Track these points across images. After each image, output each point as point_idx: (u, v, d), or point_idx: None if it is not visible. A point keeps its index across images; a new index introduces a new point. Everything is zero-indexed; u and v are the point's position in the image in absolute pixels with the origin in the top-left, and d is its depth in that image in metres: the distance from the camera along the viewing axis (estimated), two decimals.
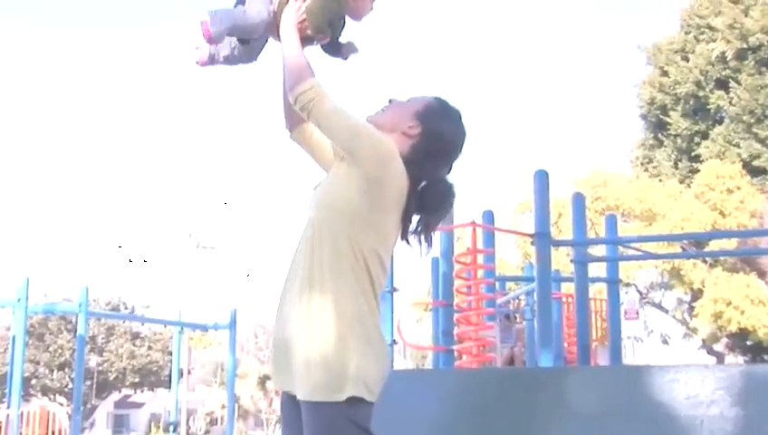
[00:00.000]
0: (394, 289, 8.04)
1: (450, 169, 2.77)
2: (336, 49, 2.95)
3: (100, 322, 45.32)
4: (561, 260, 19.26)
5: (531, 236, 7.46)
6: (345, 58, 2.98)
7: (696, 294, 25.25)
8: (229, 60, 2.97)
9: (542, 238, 7.19)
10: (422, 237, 2.72)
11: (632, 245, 10.74)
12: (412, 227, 2.71)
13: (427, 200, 2.68)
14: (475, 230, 8.36)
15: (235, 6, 2.89)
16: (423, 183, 2.68)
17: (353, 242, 2.54)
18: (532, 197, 7.53)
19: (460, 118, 2.79)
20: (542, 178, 7.33)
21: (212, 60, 2.96)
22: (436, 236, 7.92)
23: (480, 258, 8.59)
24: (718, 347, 27.50)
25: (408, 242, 2.72)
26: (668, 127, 29.54)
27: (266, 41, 2.95)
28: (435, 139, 2.68)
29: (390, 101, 2.78)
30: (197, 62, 2.96)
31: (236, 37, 2.91)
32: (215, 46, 2.92)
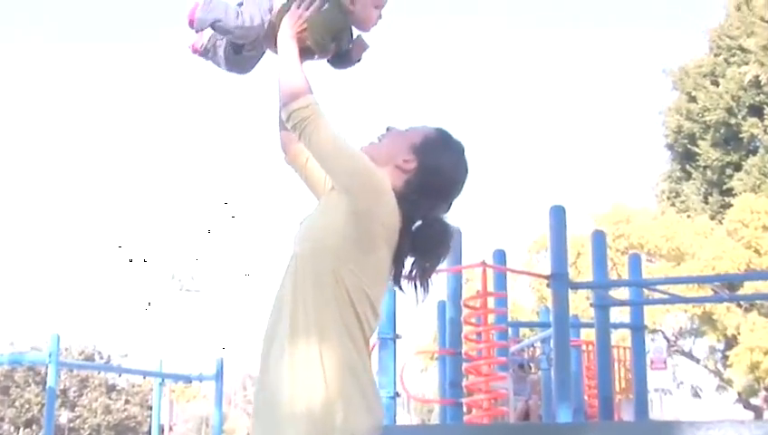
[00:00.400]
0: (396, 336, 8.00)
1: (449, 208, 2.77)
2: (344, 60, 2.97)
3: (73, 373, 45.12)
4: (581, 304, 19.25)
5: (546, 277, 7.45)
6: (358, 59, 2.99)
7: (731, 342, 25.19)
8: (220, 61, 2.98)
9: (559, 280, 7.19)
10: (417, 283, 2.71)
11: (658, 287, 10.72)
12: (406, 270, 2.70)
13: (421, 242, 2.67)
14: (485, 271, 8.36)
15: (236, 5, 2.90)
16: (418, 222, 2.68)
17: (338, 278, 2.56)
18: (547, 234, 7.53)
19: (462, 152, 2.79)
20: (558, 215, 7.34)
21: (205, 52, 2.98)
22: (443, 277, 7.96)
23: (491, 302, 8.58)
24: (756, 401, 27.37)
25: (399, 287, 2.72)
26: (697, 158, 29.66)
27: (262, 53, 2.97)
28: (431, 174, 2.68)
29: (388, 129, 2.80)
30: (191, 47, 2.97)
31: (224, 37, 2.91)
32: (213, 41, 2.94)
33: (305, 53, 2.80)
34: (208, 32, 2.93)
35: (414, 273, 2.71)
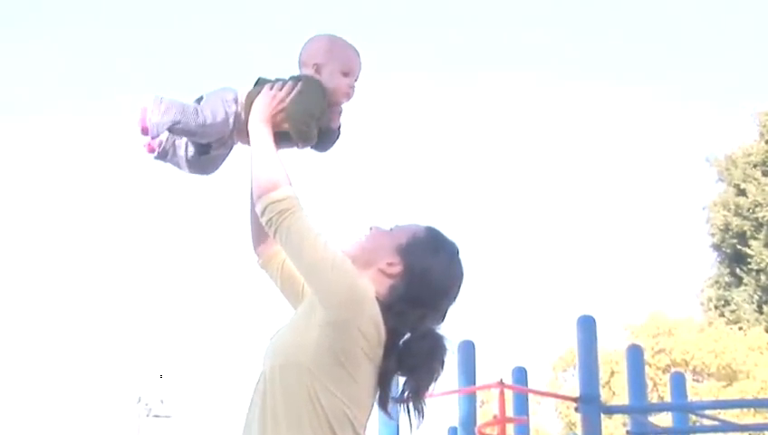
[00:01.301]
0: None
1: (443, 318, 2.76)
2: (325, 140, 2.97)
3: None
4: (616, 431, 19.07)
5: (575, 400, 7.44)
6: (339, 127, 2.99)
7: None
8: (181, 163, 2.99)
9: (590, 403, 7.17)
10: (409, 406, 2.68)
11: (707, 412, 10.65)
12: (395, 391, 2.69)
13: (410, 358, 2.66)
14: (503, 392, 8.32)
15: (194, 101, 2.92)
16: (406, 335, 2.68)
17: (314, 399, 2.53)
18: (575, 349, 7.54)
19: (456, 254, 2.80)
20: (587, 326, 7.36)
21: (164, 154, 2.98)
22: (454, 399, 7.93)
23: (510, 429, 8.53)
24: None
25: (386, 412, 2.70)
26: (749, 260, 29.68)
27: (230, 150, 3.00)
28: (420, 280, 2.68)
29: (371, 229, 2.80)
30: (146, 146, 2.96)
31: (187, 139, 2.94)
32: (171, 140, 2.95)
33: (281, 139, 2.83)
34: None
35: (405, 395, 2.68)
